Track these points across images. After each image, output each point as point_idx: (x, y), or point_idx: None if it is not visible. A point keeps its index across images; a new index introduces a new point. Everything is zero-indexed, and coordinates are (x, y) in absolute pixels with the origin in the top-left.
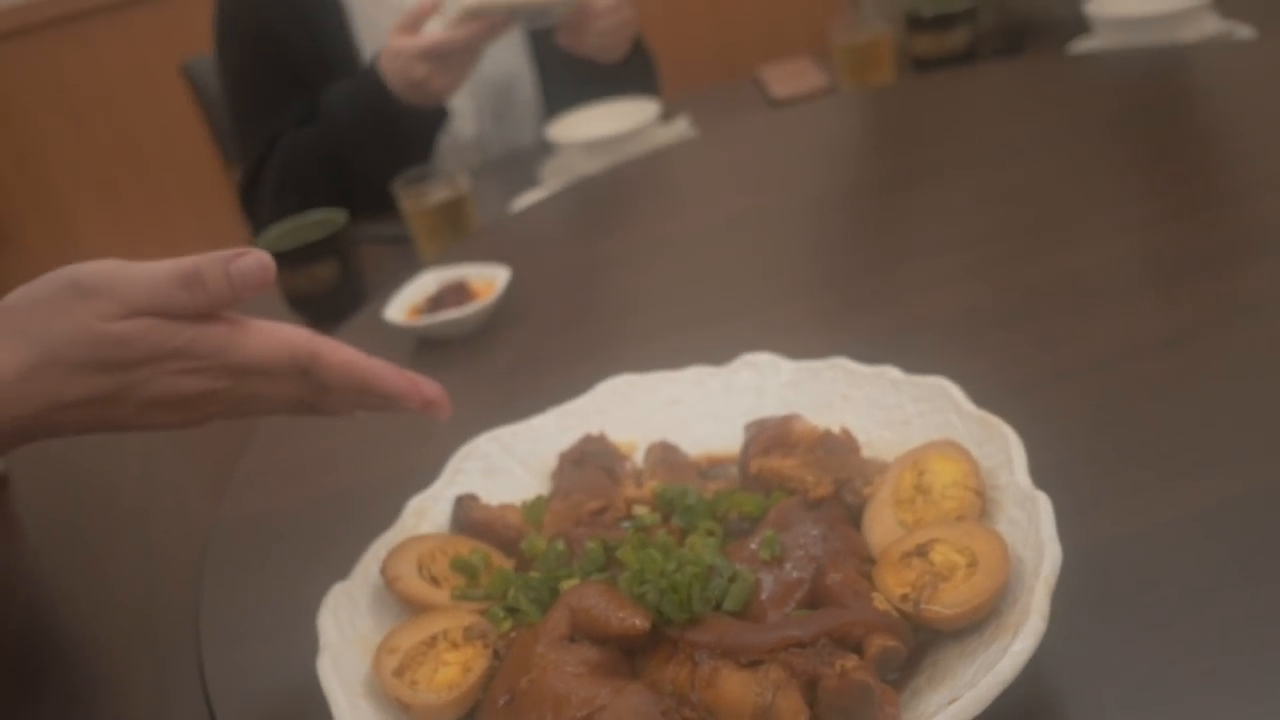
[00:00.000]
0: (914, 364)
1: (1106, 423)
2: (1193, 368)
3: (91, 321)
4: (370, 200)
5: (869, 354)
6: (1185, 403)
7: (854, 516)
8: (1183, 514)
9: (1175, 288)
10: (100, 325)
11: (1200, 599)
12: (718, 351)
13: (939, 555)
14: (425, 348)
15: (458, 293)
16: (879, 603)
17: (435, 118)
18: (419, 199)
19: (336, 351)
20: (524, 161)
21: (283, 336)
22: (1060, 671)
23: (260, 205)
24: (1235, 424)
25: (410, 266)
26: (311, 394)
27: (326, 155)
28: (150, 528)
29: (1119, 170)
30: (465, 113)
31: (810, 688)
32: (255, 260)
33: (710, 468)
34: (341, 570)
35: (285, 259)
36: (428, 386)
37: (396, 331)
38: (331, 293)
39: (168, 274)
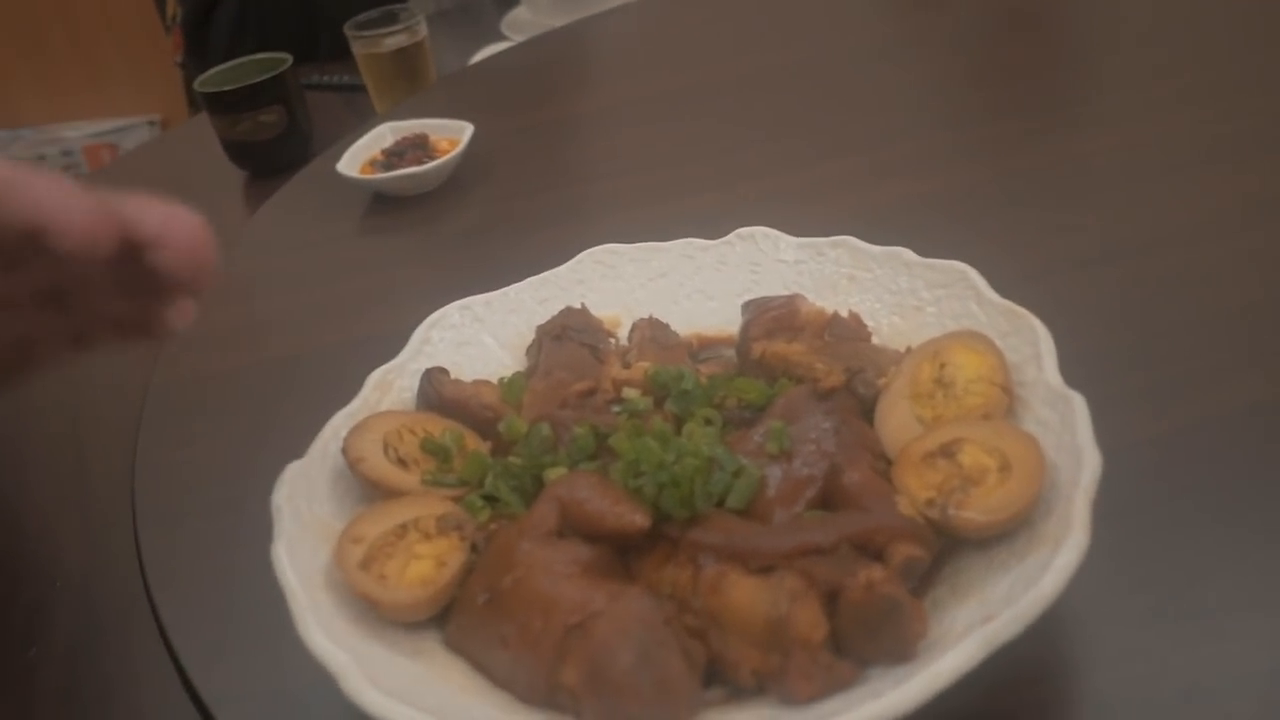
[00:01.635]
0: (916, 246)
1: (1127, 318)
2: (1217, 264)
3: None
4: (334, 47)
5: (866, 232)
6: (1209, 300)
7: (865, 409)
8: (1212, 416)
9: (1194, 178)
10: None
11: (1231, 507)
12: (705, 223)
13: (967, 457)
14: (381, 205)
15: (418, 147)
16: (903, 507)
17: None
18: (373, 44)
19: None
20: (480, 13)
21: None
22: (1085, 582)
23: (213, 45)
24: (1267, 325)
25: (362, 118)
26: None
27: None
28: (79, 391)
29: (1131, 48)
30: None
31: (830, 599)
32: None
33: (701, 349)
34: (292, 446)
35: (226, 102)
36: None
37: (350, 185)
38: (276, 141)
39: None
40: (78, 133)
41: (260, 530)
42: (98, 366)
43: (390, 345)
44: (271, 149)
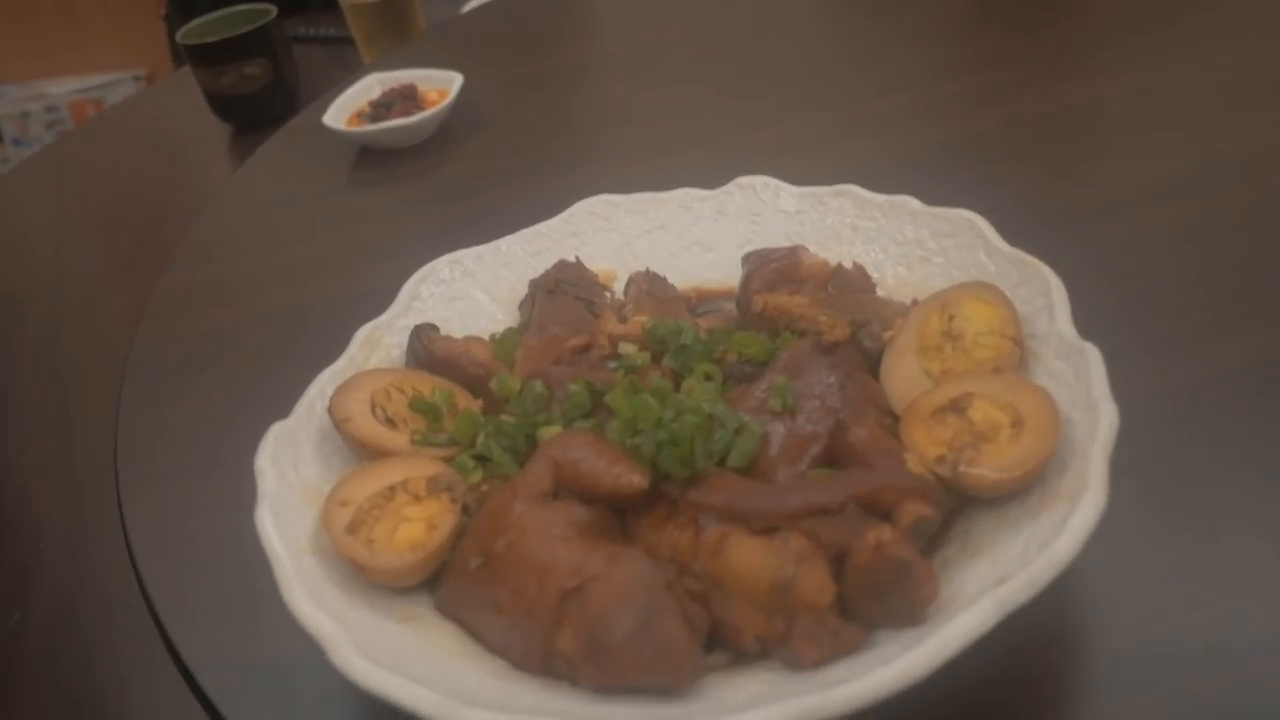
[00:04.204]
0: (920, 194)
1: (1140, 267)
2: (1228, 212)
3: None
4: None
5: (869, 181)
6: (1221, 250)
7: (871, 364)
8: (1231, 367)
9: (1200, 126)
10: None
11: (1251, 459)
12: (703, 175)
13: (978, 412)
14: (368, 158)
15: (406, 98)
16: (912, 464)
17: None
18: None
19: None
20: None
21: None
22: (1101, 538)
23: None
24: (1277, 276)
25: (349, 70)
26: None
27: None
28: (61, 350)
29: None
30: None
31: (836, 561)
32: None
33: (699, 303)
34: (277, 406)
35: (209, 55)
36: None
37: (336, 139)
38: (261, 94)
39: None
40: (62, 89)
41: (245, 492)
42: (80, 324)
43: (378, 301)
44: (256, 102)
